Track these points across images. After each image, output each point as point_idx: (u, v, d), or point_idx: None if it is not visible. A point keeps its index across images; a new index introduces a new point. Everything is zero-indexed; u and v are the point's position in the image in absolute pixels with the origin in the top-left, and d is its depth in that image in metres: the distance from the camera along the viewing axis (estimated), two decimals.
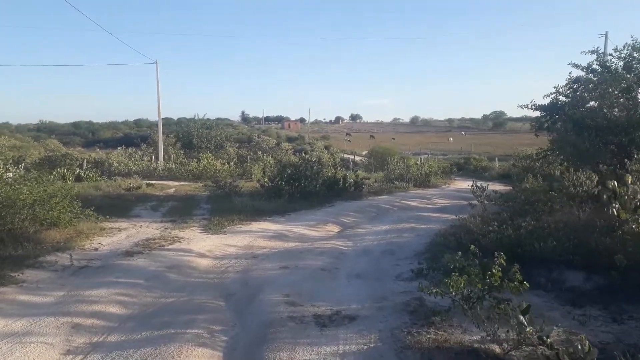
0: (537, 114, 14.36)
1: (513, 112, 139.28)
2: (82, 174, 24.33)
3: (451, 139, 77.93)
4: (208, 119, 36.48)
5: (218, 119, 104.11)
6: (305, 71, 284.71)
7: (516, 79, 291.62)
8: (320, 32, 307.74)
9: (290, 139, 68.12)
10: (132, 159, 30.10)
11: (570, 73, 13.89)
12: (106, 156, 31.34)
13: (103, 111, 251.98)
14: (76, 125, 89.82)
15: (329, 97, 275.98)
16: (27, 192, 9.95)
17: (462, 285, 5.12)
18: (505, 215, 10.86)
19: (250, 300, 6.71)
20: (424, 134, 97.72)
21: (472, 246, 5.74)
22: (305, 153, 32.66)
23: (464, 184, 27.22)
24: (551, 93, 14.73)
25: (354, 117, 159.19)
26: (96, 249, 9.53)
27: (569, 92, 14.16)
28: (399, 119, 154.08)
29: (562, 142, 13.68)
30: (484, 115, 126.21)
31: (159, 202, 16.74)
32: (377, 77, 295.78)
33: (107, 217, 12.71)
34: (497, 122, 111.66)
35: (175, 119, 78.36)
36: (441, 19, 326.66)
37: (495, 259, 5.23)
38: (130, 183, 20.66)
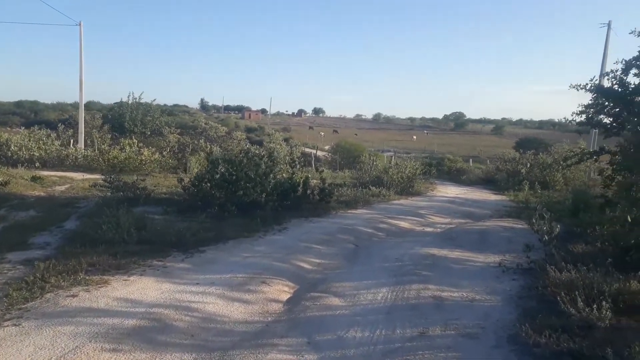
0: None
1: (472, 113, 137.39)
2: None
3: (415, 137, 72.93)
4: (147, 102, 28.79)
5: (175, 105, 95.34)
6: (269, 61, 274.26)
7: (476, 81, 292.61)
8: (287, 25, 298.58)
9: (249, 129, 60.65)
10: (40, 142, 22.51)
11: None
12: (7, 138, 23.53)
13: (52, 91, 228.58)
14: (19, 104, 79.12)
15: (293, 90, 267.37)
16: None
17: None
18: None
19: None
20: (387, 131, 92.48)
21: None
22: (261, 146, 25.99)
23: (449, 190, 21.28)
24: (612, 71, 8.85)
25: (316, 111, 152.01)
26: None
27: None
28: (361, 115, 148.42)
29: None
30: (445, 115, 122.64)
31: (8, 212, 9.83)
32: (341, 73, 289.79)
33: None
34: (458, 122, 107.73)
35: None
36: (404, 19, 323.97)
37: None
38: None
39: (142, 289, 5.62)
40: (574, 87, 9.32)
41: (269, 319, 5.21)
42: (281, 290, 6.10)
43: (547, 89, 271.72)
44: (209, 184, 11.09)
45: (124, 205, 10.07)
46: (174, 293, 5.60)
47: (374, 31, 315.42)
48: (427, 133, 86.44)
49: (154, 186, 13.76)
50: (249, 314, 5.26)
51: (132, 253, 6.87)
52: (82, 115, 25.53)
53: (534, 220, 6.95)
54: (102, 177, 17.60)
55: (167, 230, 7.98)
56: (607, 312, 4.23)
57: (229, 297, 5.62)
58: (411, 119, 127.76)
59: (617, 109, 8.89)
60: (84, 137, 25.39)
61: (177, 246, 7.49)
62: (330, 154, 34.38)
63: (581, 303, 4.40)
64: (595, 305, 4.32)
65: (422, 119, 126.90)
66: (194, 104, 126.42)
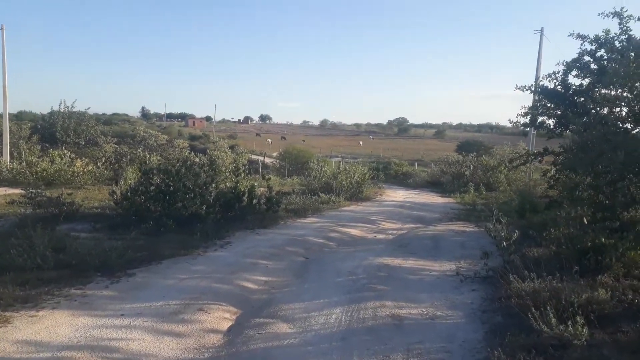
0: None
1: (414, 119, 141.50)
2: None
3: (361, 142, 73.53)
4: (80, 111, 26.67)
5: (114, 114, 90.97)
6: (213, 67, 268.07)
7: (417, 88, 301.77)
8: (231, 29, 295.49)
9: (193, 137, 58.60)
10: None
11: (581, 44, 8.24)
12: None
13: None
14: None
15: (238, 97, 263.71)
16: None
17: None
18: None
19: None
20: (334, 137, 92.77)
21: None
22: (204, 154, 24.74)
23: (398, 194, 21.12)
24: (553, 73, 8.90)
25: (263, 118, 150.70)
26: None
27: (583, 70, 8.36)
28: (308, 121, 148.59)
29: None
30: (389, 121, 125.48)
31: None
32: (287, 79, 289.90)
33: None
34: (401, 127, 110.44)
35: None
36: (347, 26, 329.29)
37: None
38: None
39: (52, 327, 4.68)
40: (519, 89, 9.24)
41: (206, 355, 4.44)
42: (221, 318, 5.32)
43: (483, 93, 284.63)
44: (142, 197, 10.11)
45: (41, 223, 8.88)
46: (91, 329, 4.69)
47: (319, 37, 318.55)
48: (372, 138, 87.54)
49: (83, 200, 12.47)
50: (182, 351, 4.46)
51: (47, 281, 5.86)
52: (6, 124, 23.35)
53: (491, 226, 6.58)
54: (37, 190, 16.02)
55: (90, 251, 6.96)
56: (583, 329, 3.81)
57: (158, 331, 4.79)
58: (357, 125, 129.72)
59: (559, 110, 8.85)
60: (10, 148, 23.24)
61: (102, 269, 6.52)
62: (278, 161, 33.66)
63: (554, 319, 3.95)
64: (569, 322, 3.88)
65: (368, 124, 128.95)
66: (134, 112, 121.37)
